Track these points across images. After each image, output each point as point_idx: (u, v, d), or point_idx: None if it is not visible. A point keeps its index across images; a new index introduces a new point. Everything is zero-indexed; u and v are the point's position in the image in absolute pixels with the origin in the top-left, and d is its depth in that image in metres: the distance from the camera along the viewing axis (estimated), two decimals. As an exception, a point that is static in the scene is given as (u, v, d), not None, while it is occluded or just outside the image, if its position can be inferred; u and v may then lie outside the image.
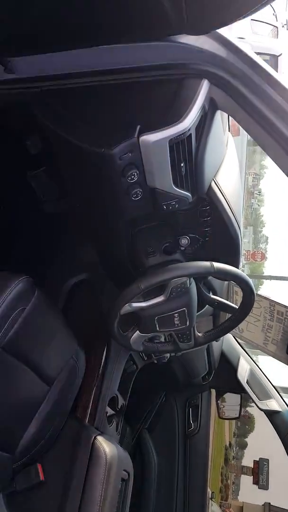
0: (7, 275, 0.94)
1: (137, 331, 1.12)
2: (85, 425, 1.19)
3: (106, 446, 1.13)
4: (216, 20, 0.84)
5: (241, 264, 1.30)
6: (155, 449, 1.86)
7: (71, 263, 1.54)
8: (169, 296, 1.01)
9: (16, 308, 0.91)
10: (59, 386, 1.12)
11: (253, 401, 1.86)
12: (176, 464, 1.85)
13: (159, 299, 1.02)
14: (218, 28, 0.91)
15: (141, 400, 1.80)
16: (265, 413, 1.87)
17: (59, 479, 1.08)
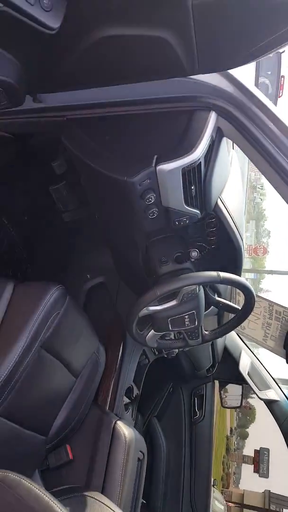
0: (44, 285, 1.10)
1: (152, 330, 1.28)
2: (106, 412, 1.36)
3: (125, 430, 1.30)
4: (225, 65, 0.98)
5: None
6: (164, 435, 2.03)
7: (88, 267, 1.70)
8: (181, 301, 1.17)
9: (53, 313, 1.07)
10: (84, 378, 1.29)
11: (253, 391, 2.03)
12: (183, 448, 2.03)
13: (172, 303, 1.17)
14: (227, 70, 1.05)
15: (150, 390, 1.97)
16: (264, 402, 2.04)
17: (86, 458, 1.25)
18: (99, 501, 1.06)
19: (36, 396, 1.09)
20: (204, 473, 1.97)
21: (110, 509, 1.04)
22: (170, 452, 2.04)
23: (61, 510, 0.73)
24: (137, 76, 1.02)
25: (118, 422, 1.31)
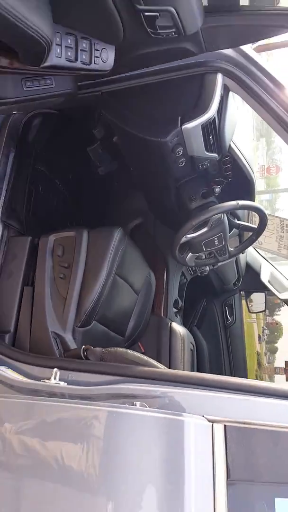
0: (109, 229, 1.53)
1: (190, 253, 1.73)
2: (163, 317, 1.86)
3: (179, 328, 1.80)
4: (228, 46, 1.31)
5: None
6: (204, 339, 2.57)
7: (127, 211, 2.11)
8: (211, 227, 1.59)
9: (119, 248, 1.51)
10: (143, 295, 1.76)
11: (275, 294, 2.50)
12: (221, 347, 2.59)
13: (204, 230, 1.60)
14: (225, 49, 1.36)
15: (189, 305, 2.47)
16: (285, 302, 2.52)
17: (154, 351, 1.77)
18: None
19: (115, 308, 1.57)
20: (240, 361, 2.54)
21: None
22: (211, 352, 2.59)
23: (155, 362, 1.22)
24: (162, 63, 1.34)
25: (173, 323, 1.82)
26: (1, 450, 0.88)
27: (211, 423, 0.89)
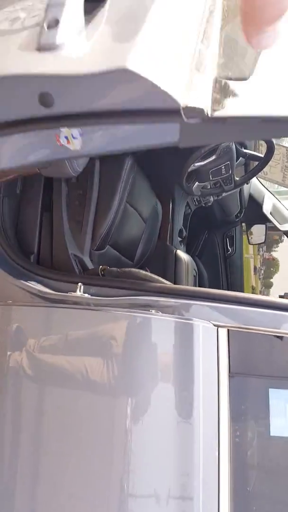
0: (120, 156, 1.59)
1: (197, 182, 1.81)
2: (168, 245, 1.99)
3: (183, 255, 1.95)
4: None
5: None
6: (205, 268, 2.74)
7: None
8: (219, 155, 1.66)
9: (130, 175, 1.59)
10: (150, 223, 1.88)
11: (276, 226, 2.63)
12: (221, 276, 2.77)
13: (212, 158, 1.67)
14: None
15: (191, 236, 2.60)
16: (285, 233, 2.66)
17: (160, 275, 1.92)
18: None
19: (125, 234, 1.69)
20: (238, 289, 2.74)
21: None
22: (211, 280, 2.77)
23: (165, 280, 1.37)
24: None
25: (177, 250, 1.96)
26: (36, 350, 1.04)
27: (216, 327, 1.05)
